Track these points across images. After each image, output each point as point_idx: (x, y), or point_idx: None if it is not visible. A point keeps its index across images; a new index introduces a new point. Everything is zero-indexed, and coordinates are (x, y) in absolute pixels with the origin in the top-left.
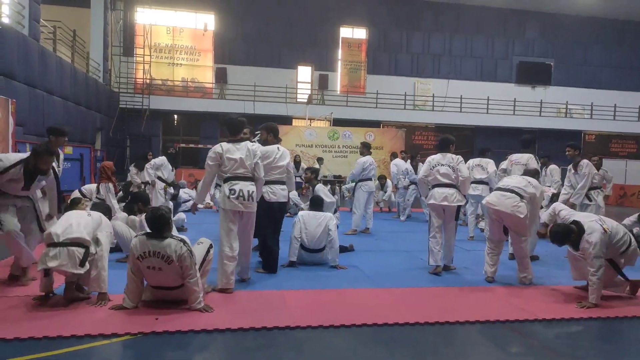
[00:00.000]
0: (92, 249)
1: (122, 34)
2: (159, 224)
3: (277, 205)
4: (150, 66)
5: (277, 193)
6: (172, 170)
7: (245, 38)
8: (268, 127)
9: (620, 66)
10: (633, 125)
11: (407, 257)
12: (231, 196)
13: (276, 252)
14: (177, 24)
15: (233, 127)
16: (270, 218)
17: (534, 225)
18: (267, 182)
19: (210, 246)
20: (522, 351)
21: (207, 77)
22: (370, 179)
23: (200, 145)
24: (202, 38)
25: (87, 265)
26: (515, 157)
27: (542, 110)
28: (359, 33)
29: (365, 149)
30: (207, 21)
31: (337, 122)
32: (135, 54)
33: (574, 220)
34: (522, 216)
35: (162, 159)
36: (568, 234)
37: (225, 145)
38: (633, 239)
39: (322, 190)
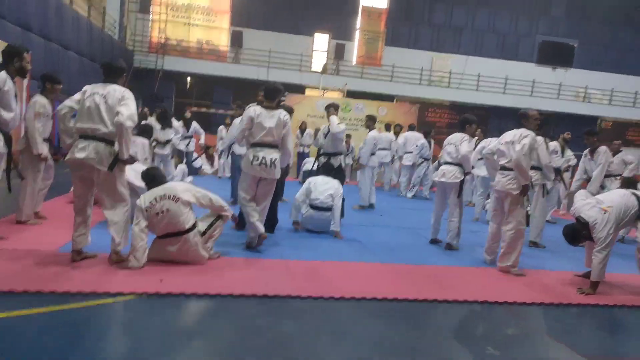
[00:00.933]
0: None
1: None
2: (155, 176)
3: None
4: (165, 25)
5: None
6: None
7: (263, 1)
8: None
9: None
10: None
11: (411, 234)
12: (254, 162)
13: (272, 213)
14: None
15: (270, 93)
16: None
17: (539, 211)
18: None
19: (220, 217)
20: (517, 333)
21: (222, 39)
22: (373, 154)
23: (212, 110)
24: None
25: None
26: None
27: (561, 93)
28: (380, 2)
29: (372, 122)
30: None
31: (351, 94)
32: (152, 12)
33: (577, 216)
34: (514, 193)
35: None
36: (577, 234)
37: (258, 109)
38: None
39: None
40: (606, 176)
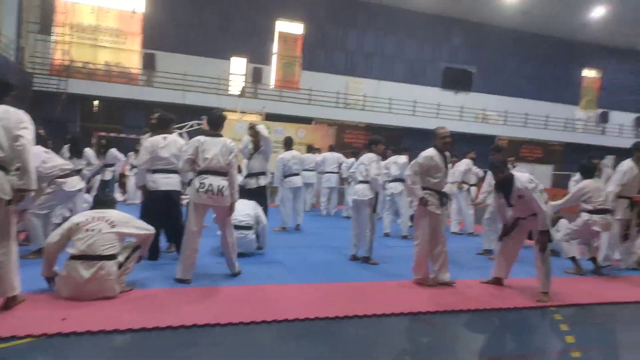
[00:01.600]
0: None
1: (39, 9)
2: (105, 201)
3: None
4: (70, 47)
5: (158, 182)
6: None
7: (177, 23)
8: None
9: (532, 76)
10: (541, 132)
11: (334, 252)
12: (200, 190)
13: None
14: (102, 3)
15: (214, 121)
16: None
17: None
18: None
19: (137, 248)
20: (431, 341)
21: (133, 62)
22: (293, 175)
23: (122, 135)
24: (129, 20)
25: None
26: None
27: (463, 115)
28: (296, 28)
29: (287, 145)
30: (136, 2)
31: (270, 117)
32: (54, 33)
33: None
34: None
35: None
36: None
37: (202, 138)
38: None
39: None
40: None
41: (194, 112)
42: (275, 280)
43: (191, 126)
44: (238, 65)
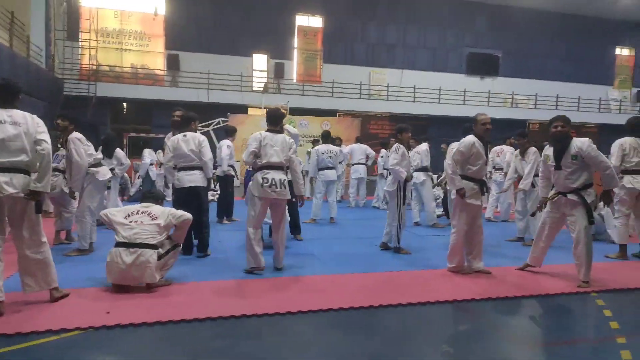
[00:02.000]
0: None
1: (65, 17)
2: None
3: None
4: (96, 51)
5: (182, 179)
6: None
7: (198, 23)
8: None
9: (562, 58)
10: (573, 114)
11: (364, 243)
12: (264, 185)
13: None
14: (125, 7)
15: (273, 118)
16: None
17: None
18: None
19: (177, 245)
20: (470, 329)
21: (157, 63)
22: (328, 168)
23: (152, 135)
24: (152, 23)
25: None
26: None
27: (490, 101)
28: (315, 21)
29: (324, 138)
30: (157, 5)
31: (294, 112)
32: (81, 39)
33: None
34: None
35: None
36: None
37: (264, 133)
38: None
39: None
40: (537, 175)
41: (218, 109)
42: (308, 272)
43: (217, 123)
44: (260, 62)
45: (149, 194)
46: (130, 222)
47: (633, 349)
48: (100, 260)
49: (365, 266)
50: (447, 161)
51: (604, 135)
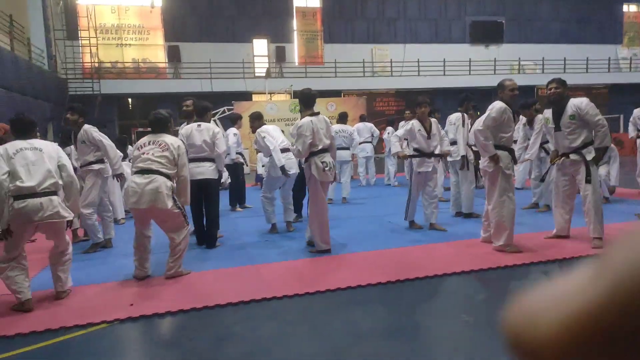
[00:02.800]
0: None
1: (63, 16)
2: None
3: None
4: (97, 49)
5: (191, 171)
6: None
7: (196, 13)
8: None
9: (568, 19)
10: (582, 77)
11: (375, 221)
12: (326, 169)
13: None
14: (121, 1)
15: (307, 100)
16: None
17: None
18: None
19: (184, 216)
20: (486, 297)
21: (159, 56)
22: (342, 148)
23: None
24: (149, 15)
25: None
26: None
27: (497, 68)
28: (313, 1)
29: (341, 118)
30: None
31: (298, 95)
32: (80, 37)
33: None
34: (488, 170)
35: None
36: None
37: (313, 120)
38: None
39: None
40: (545, 142)
41: (223, 98)
42: (325, 253)
43: (223, 112)
44: (261, 47)
45: (155, 118)
46: (143, 153)
47: None
48: (119, 255)
49: (379, 243)
50: (479, 127)
51: (614, 95)
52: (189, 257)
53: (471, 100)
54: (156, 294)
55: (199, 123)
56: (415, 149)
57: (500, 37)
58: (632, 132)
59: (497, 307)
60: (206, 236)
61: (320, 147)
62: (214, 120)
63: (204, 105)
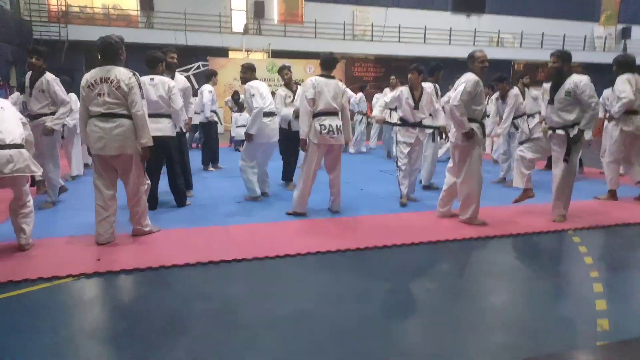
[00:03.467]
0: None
1: None
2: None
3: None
4: None
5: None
6: None
7: None
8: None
9: None
10: None
11: (351, 188)
12: (323, 132)
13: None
14: None
15: (327, 63)
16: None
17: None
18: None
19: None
20: (450, 267)
21: (130, 3)
22: None
23: None
24: None
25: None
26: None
27: (476, 40)
28: None
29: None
30: None
31: (276, 54)
32: None
33: None
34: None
35: None
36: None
37: (318, 79)
38: None
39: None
40: (519, 117)
41: (197, 53)
42: (297, 217)
43: (197, 68)
44: (238, 1)
45: (104, 44)
46: (98, 94)
47: (605, 282)
48: (83, 208)
49: (352, 210)
50: (455, 102)
51: (589, 74)
52: (158, 215)
53: (441, 69)
54: (126, 250)
55: (151, 77)
56: (400, 118)
57: (482, 6)
58: (600, 113)
59: (459, 276)
60: (155, 199)
61: (321, 108)
62: (189, 76)
63: (156, 56)
